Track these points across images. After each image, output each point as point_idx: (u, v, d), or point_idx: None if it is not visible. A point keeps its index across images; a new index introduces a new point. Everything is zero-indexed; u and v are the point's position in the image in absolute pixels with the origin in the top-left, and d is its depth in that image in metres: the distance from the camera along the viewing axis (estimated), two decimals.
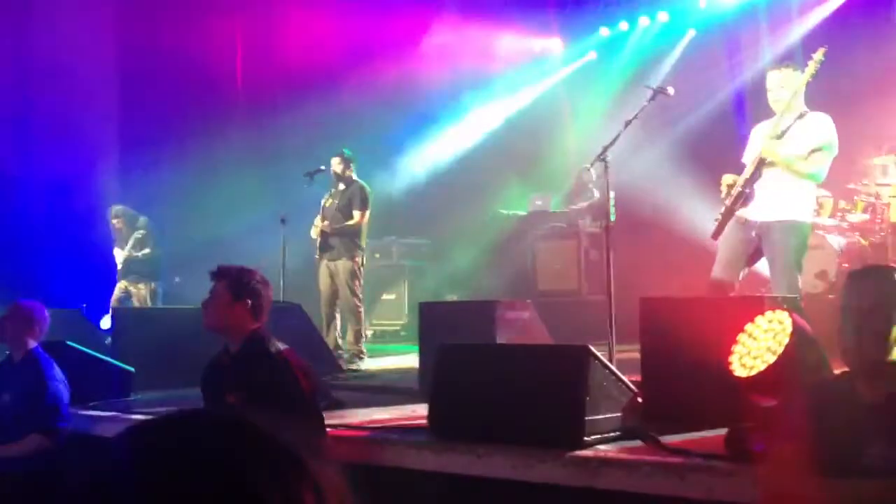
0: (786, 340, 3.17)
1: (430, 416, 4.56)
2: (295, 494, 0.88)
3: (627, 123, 6.18)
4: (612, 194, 6.13)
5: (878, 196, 8.39)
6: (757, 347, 3.27)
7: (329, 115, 11.72)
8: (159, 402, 6.03)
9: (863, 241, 8.39)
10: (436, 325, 6.20)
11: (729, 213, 5.77)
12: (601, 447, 3.94)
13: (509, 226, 11.79)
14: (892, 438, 2.65)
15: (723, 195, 5.81)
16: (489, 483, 4.09)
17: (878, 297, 2.77)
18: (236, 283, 4.13)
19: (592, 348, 4.22)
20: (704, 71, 10.77)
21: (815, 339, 3.32)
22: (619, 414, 4.15)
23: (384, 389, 6.80)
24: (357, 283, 8.64)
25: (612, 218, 6.09)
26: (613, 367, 4.38)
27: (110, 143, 12.62)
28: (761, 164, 5.70)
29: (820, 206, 8.05)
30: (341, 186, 8.84)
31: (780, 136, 5.73)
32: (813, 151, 5.63)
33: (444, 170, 12.87)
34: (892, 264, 7.43)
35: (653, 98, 6.23)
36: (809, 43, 9.48)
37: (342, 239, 8.64)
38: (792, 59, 6.02)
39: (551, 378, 4.20)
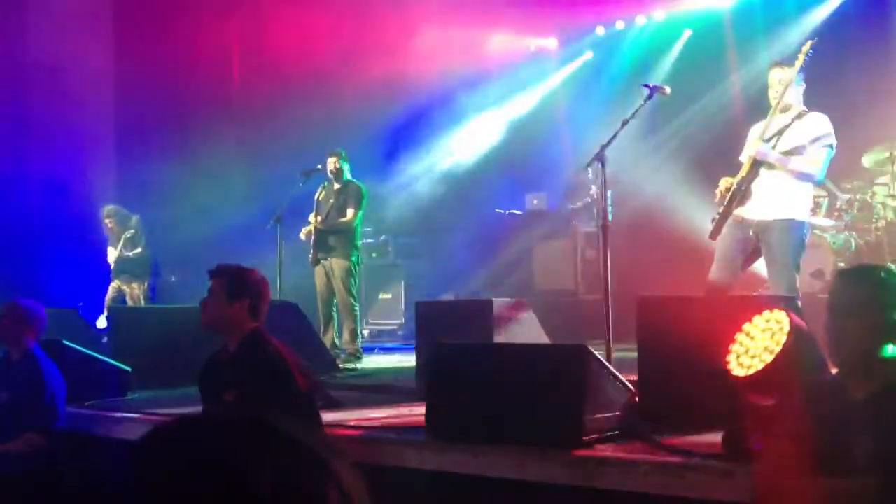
0: (784, 340, 3.16)
1: (428, 416, 4.56)
2: (320, 494, 0.88)
3: (625, 123, 6.18)
4: (609, 193, 6.13)
5: (873, 195, 8.41)
6: (755, 347, 3.26)
7: (324, 115, 11.71)
8: (156, 402, 6.03)
9: (859, 241, 8.40)
10: (433, 324, 6.20)
11: (726, 213, 5.77)
12: (599, 446, 3.95)
13: (506, 225, 11.78)
14: (878, 435, 2.66)
15: (717, 199, 5.81)
16: (487, 482, 4.09)
17: (865, 296, 2.78)
18: (235, 282, 4.13)
19: (590, 348, 4.22)
20: (701, 70, 10.77)
21: (813, 339, 3.32)
22: (616, 413, 4.15)
23: (381, 389, 6.80)
24: (352, 281, 8.64)
25: (610, 217, 6.09)
26: (611, 367, 4.38)
27: (105, 142, 12.61)
28: (756, 163, 5.70)
29: (816, 205, 8.06)
30: (336, 185, 8.84)
31: (778, 135, 5.73)
32: (811, 151, 5.63)
33: (440, 169, 12.87)
34: (888, 263, 7.44)
35: (650, 97, 6.23)
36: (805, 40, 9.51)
37: (337, 238, 8.64)
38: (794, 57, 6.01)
39: (549, 377, 4.20)
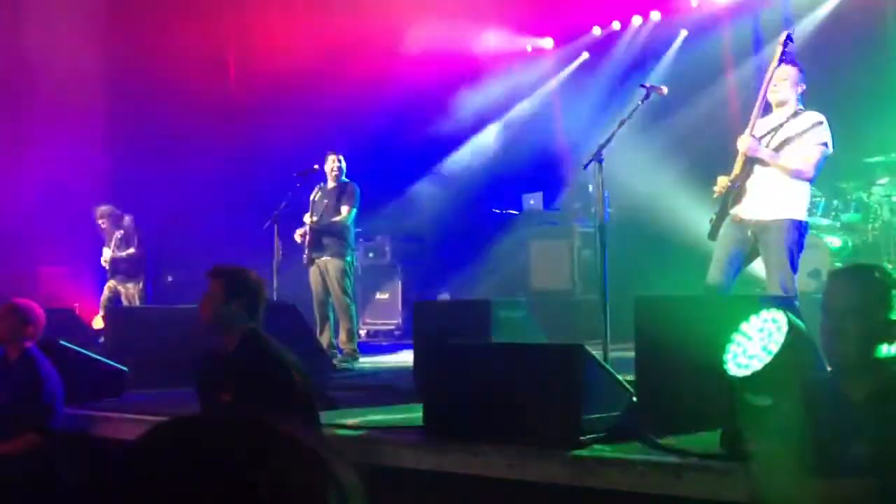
0: (781, 340, 3.17)
1: (426, 416, 4.57)
2: (318, 495, 0.88)
3: (622, 123, 6.20)
4: (606, 193, 6.14)
5: (870, 196, 8.43)
6: (752, 347, 3.26)
7: (321, 115, 11.71)
8: (152, 402, 6.02)
9: (856, 241, 8.42)
10: (430, 324, 6.19)
11: (724, 213, 5.77)
12: (596, 446, 3.95)
13: (503, 225, 11.78)
14: (873, 436, 2.66)
15: (714, 196, 5.82)
16: (485, 482, 4.09)
17: (860, 296, 2.78)
18: (232, 282, 4.14)
19: (587, 347, 4.23)
20: (698, 70, 10.79)
21: (810, 339, 3.33)
22: (614, 413, 4.16)
23: (378, 389, 6.79)
24: (348, 281, 8.63)
25: (607, 217, 6.10)
26: (608, 367, 4.39)
27: (99, 142, 12.59)
28: (749, 160, 5.70)
29: (813, 205, 8.07)
30: (332, 185, 8.84)
31: (773, 132, 5.73)
32: (804, 149, 5.63)
33: (438, 169, 12.87)
34: (885, 263, 7.45)
35: (647, 97, 6.24)
36: (803, 42, 9.54)
37: (332, 238, 8.63)
38: (795, 58, 6.02)
39: (546, 377, 4.20)
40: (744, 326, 3.32)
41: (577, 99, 12.44)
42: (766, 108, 5.85)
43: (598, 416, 4.07)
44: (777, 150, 5.66)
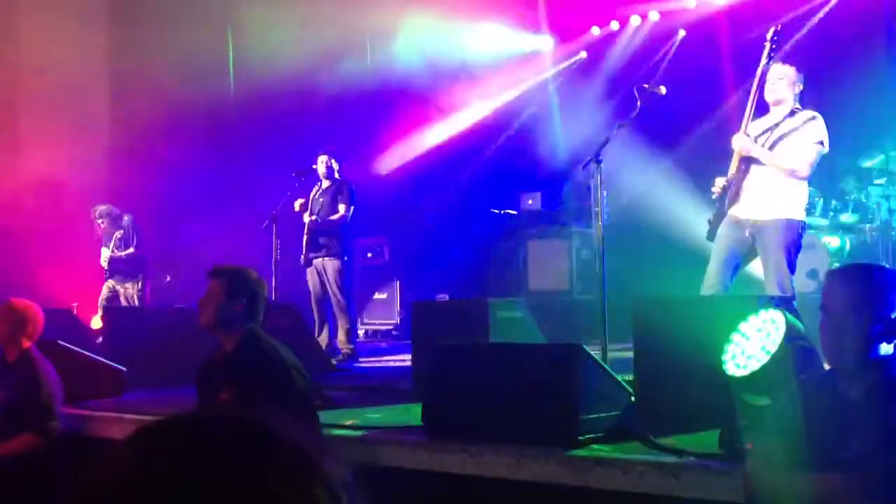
0: (779, 339, 3.17)
1: (424, 416, 4.57)
2: (309, 495, 0.88)
3: (620, 123, 6.21)
4: (604, 194, 6.15)
5: (868, 196, 8.44)
6: (751, 347, 3.26)
7: (320, 115, 11.71)
8: (151, 402, 6.02)
9: (854, 241, 8.43)
10: (428, 324, 6.20)
11: (722, 213, 5.78)
12: (595, 446, 3.95)
13: (501, 225, 11.79)
14: (871, 435, 2.67)
15: (714, 198, 5.82)
16: (483, 482, 4.09)
17: (858, 294, 2.78)
18: (232, 282, 4.14)
19: (586, 347, 4.23)
20: (696, 71, 10.79)
21: (808, 338, 3.33)
22: (612, 413, 4.16)
23: (376, 389, 6.79)
24: (345, 280, 8.64)
25: (605, 217, 6.10)
26: (607, 367, 4.39)
27: (98, 142, 12.58)
28: (744, 159, 5.71)
29: (811, 205, 8.08)
30: (327, 183, 8.86)
31: (769, 131, 5.73)
32: (799, 147, 5.63)
33: (436, 169, 12.87)
34: (882, 264, 7.46)
35: (645, 98, 6.25)
36: (802, 43, 9.55)
37: (329, 237, 8.65)
38: (793, 57, 6.03)
39: (545, 377, 4.20)
40: (742, 326, 3.32)
41: (575, 98, 12.45)
42: (765, 107, 5.85)
43: (596, 416, 4.07)
44: (772, 148, 5.66)
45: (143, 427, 0.95)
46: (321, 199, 8.77)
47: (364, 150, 11.96)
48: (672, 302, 5.05)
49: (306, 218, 8.72)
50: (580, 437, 3.94)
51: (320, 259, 8.62)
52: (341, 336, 8.60)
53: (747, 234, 5.67)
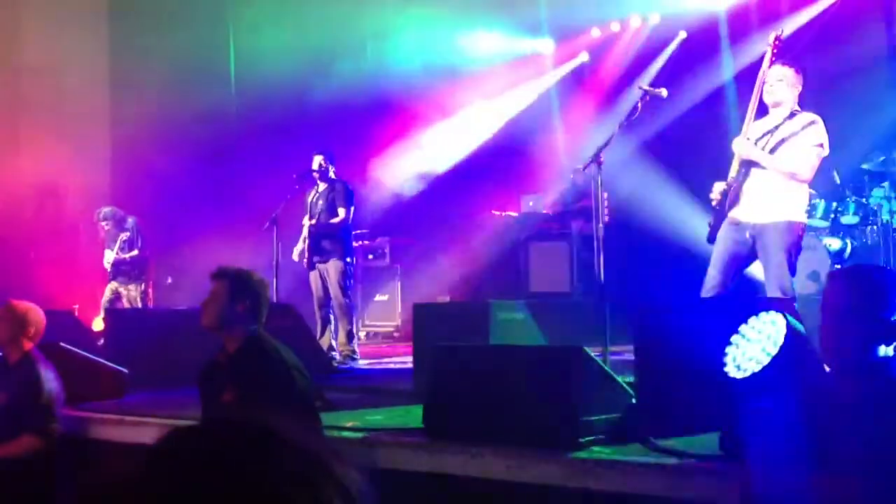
0: (780, 342, 3.18)
1: (425, 417, 4.57)
2: (322, 498, 0.89)
3: (621, 125, 6.21)
4: (604, 195, 6.15)
5: (870, 197, 8.43)
6: (751, 349, 3.28)
7: (322, 116, 11.72)
8: (153, 404, 6.02)
9: (854, 243, 8.43)
10: (429, 326, 6.20)
11: (721, 216, 5.78)
12: (596, 448, 3.96)
13: (502, 227, 11.79)
14: (868, 436, 2.67)
15: (714, 203, 5.81)
16: (484, 484, 4.09)
17: (859, 296, 2.79)
18: (235, 284, 4.15)
19: (587, 349, 4.23)
20: (696, 72, 10.79)
21: (809, 340, 3.34)
22: (613, 415, 4.16)
23: (378, 391, 6.80)
24: (347, 282, 8.64)
25: (606, 219, 6.11)
26: (608, 369, 4.39)
27: (101, 143, 12.60)
28: (745, 162, 5.71)
29: (812, 207, 8.08)
30: (323, 185, 8.85)
31: (769, 134, 5.73)
32: (799, 150, 5.63)
33: (436, 171, 12.87)
34: (883, 265, 7.46)
35: (646, 100, 6.25)
36: (804, 44, 9.54)
37: (331, 240, 8.64)
38: (792, 59, 6.02)
39: (546, 379, 4.21)
40: (743, 328, 3.33)
41: (575, 100, 12.45)
42: (764, 110, 5.85)
43: (597, 417, 4.07)
44: (773, 151, 5.66)
45: (163, 436, 0.96)
46: (319, 202, 8.77)
47: (364, 151, 11.95)
48: (673, 304, 5.05)
49: (306, 222, 8.72)
50: (581, 439, 3.94)
51: (323, 262, 8.63)
52: (342, 337, 8.60)
53: (748, 236, 5.67)
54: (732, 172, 5.75)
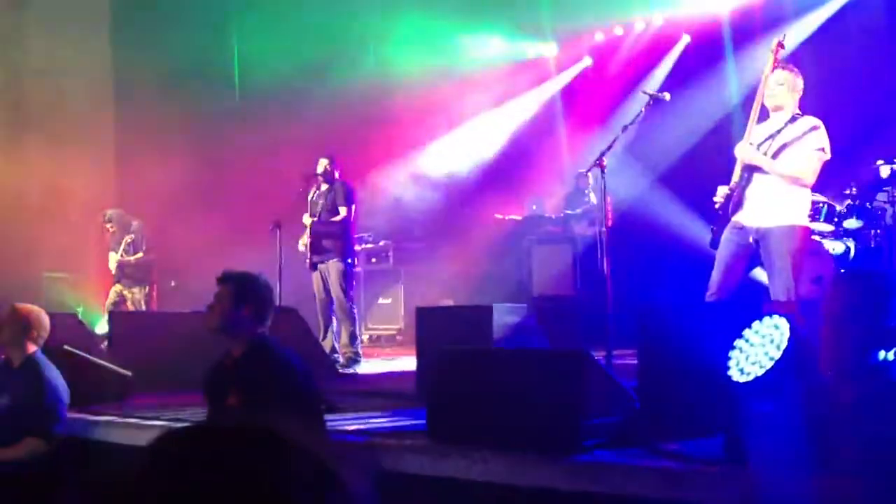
0: (783, 346, 3.18)
1: (429, 421, 4.57)
2: (325, 503, 0.89)
3: (624, 129, 6.22)
4: (608, 199, 6.16)
5: (874, 201, 8.42)
6: (754, 353, 3.28)
7: (324, 120, 11.73)
8: (157, 407, 6.03)
9: (859, 247, 8.41)
10: (433, 329, 6.21)
11: (724, 220, 5.78)
12: (599, 452, 3.95)
13: (505, 230, 11.80)
14: (868, 440, 2.68)
15: (717, 207, 5.81)
16: (486, 487, 4.09)
17: (860, 302, 2.79)
18: (240, 288, 4.16)
19: (590, 353, 4.23)
20: (700, 76, 10.79)
21: (812, 344, 3.34)
22: (616, 418, 4.16)
23: (381, 394, 6.80)
24: (348, 283, 8.65)
25: (609, 222, 6.11)
26: (611, 372, 4.39)
27: (105, 147, 12.62)
28: (747, 167, 5.71)
29: (816, 211, 8.07)
30: (325, 187, 8.88)
31: (770, 138, 5.73)
32: (801, 154, 5.63)
33: (439, 174, 12.89)
34: (883, 271, 7.46)
35: (649, 104, 6.26)
36: (808, 49, 9.55)
37: (332, 241, 8.66)
38: (793, 63, 6.03)
39: (549, 383, 4.21)
40: (746, 333, 3.33)
41: (579, 104, 12.46)
42: (765, 114, 5.85)
43: (600, 421, 4.07)
44: (775, 156, 5.66)
45: (162, 435, 0.96)
46: (320, 202, 8.80)
47: (366, 154, 11.96)
48: (677, 308, 5.05)
49: (307, 219, 8.73)
50: (584, 443, 3.94)
51: (324, 263, 8.64)
52: (345, 339, 8.61)
53: (751, 240, 5.67)
54: (735, 177, 5.74)
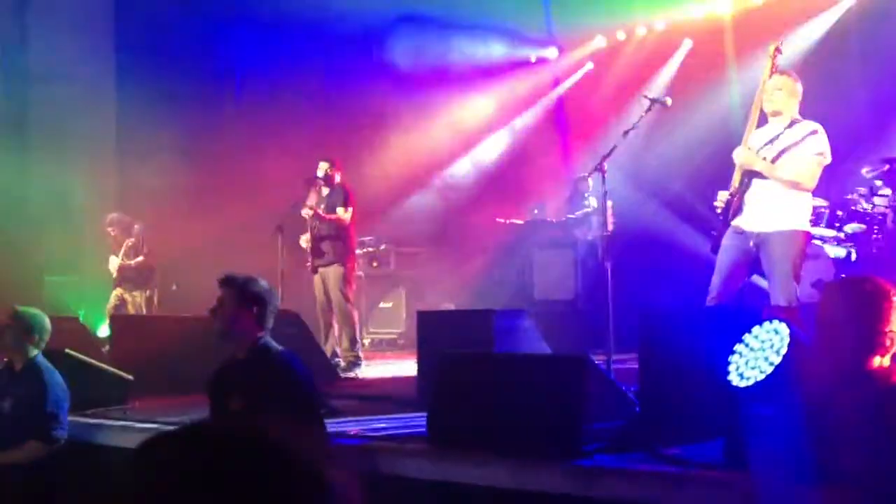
0: (784, 350, 3.18)
1: (429, 425, 4.58)
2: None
3: (625, 133, 6.23)
4: (609, 203, 6.17)
5: (874, 206, 8.42)
6: (755, 357, 3.28)
7: (326, 123, 11.75)
8: (157, 410, 6.04)
9: (859, 251, 8.41)
10: (434, 333, 6.21)
11: (724, 225, 5.78)
12: (599, 456, 3.96)
13: (506, 234, 11.80)
14: (864, 445, 2.68)
15: (718, 211, 5.81)
16: (487, 492, 4.10)
17: (853, 308, 2.79)
18: (243, 291, 4.18)
19: (591, 358, 4.24)
20: (701, 81, 10.80)
21: (812, 349, 3.34)
22: (617, 423, 4.17)
23: (382, 397, 6.81)
24: (349, 287, 8.65)
25: (611, 227, 6.12)
26: (611, 377, 4.40)
27: (106, 150, 12.63)
28: (747, 172, 5.71)
29: (816, 216, 8.07)
30: (325, 191, 8.89)
31: (770, 143, 5.73)
32: (800, 159, 5.62)
33: (440, 179, 12.90)
34: (887, 276, 7.45)
35: (650, 108, 6.26)
36: (808, 53, 9.56)
37: (332, 244, 8.66)
38: (791, 68, 6.04)
39: (549, 387, 4.21)
40: (746, 337, 3.33)
41: (580, 109, 12.47)
42: (764, 119, 5.85)
43: (601, 425, 4.08)
44: (774, 161, 5.66)
45: (151, 438, 0.96)
46: (321, 206, 8.81)
47: (366, 156, 11.97)
48: (677, 313, 5.05)
49: (306, 212, 8.71)
50: (585, 447, 3.94)
51: (325, 266, 8.64)
52: (345, 343, 8.60)
53: (751, 245, 5.66)
54: (735, 182, 5.74)
